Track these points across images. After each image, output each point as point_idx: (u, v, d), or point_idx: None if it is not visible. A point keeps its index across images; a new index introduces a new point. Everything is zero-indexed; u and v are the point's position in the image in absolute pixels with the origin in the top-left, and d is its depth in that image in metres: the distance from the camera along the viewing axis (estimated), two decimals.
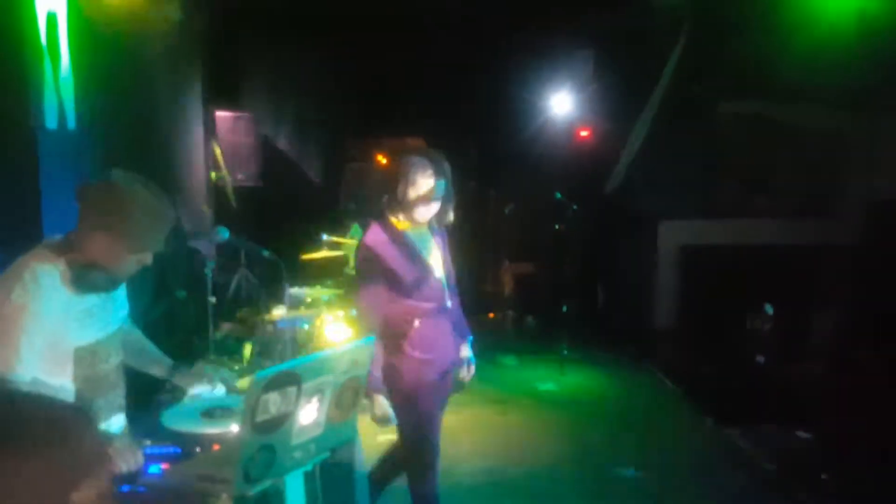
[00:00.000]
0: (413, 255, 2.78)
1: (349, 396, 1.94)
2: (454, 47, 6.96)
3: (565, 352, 6.36)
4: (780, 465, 4.16)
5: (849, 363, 5.61)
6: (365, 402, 2.53)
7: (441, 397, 2.92)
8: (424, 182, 2.67)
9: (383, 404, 2.65)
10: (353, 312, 5.74)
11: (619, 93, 7.06)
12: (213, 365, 2.84)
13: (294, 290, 5.60)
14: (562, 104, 7.69)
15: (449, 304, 2.89)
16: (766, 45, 4.75)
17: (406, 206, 2.71)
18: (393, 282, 2.73)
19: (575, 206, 6.65)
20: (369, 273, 2.74)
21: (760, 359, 6.18)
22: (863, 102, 6.54)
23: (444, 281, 2.88)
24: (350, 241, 6.43)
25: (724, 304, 6.64)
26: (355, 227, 6.73)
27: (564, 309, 6.65)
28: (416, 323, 2.78)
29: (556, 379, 6.12)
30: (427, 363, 2.79)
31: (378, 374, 2.66)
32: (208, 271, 4.99)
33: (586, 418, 5.20)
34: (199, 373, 2.31)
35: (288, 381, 1.71)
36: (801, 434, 4.67)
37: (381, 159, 8.83)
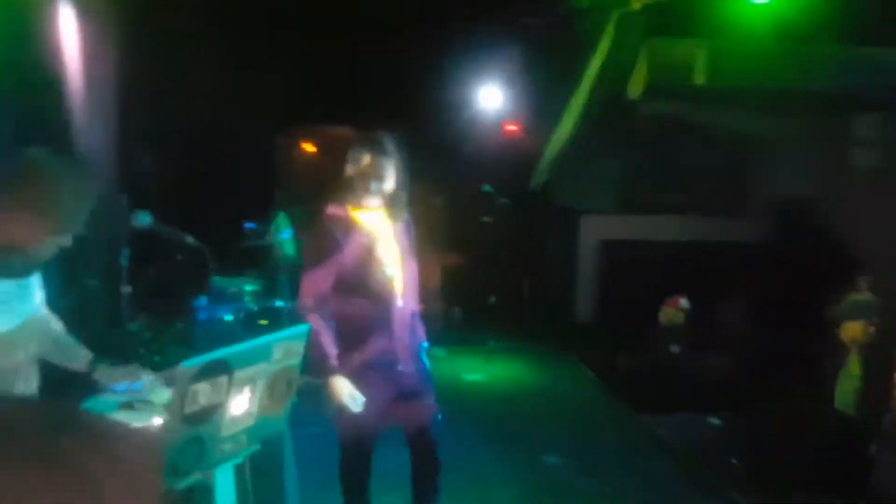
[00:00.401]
0: (360, 243, 2.59)
1: (282, 387, 1.91)
2: (384, 39, 6.90)
3: (491, 343, 6.45)
4: (693, 450, 4.36)
5: (756, 352, 5.92)
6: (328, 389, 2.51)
7: (380, 409, 2.63)
8: (362, 158, 2.57)
9: (343, 385, 2.51)
10: (278, 303, 5.66)
11: (545, 89, 7.18)
12: (131, 360, 2.73)
13: (217, 281, 5.45)
14: (490, 98, 7.76)
15: (399, 304, 2.64)
16: (685, 48, 4.92)
17: (350, 187, 2.60)
18: (334, 269, 2.57)
19: (504, 200, 6.75)
20: (316, 254, 2.60)
21: (676, 349, 6.44)
22: (772, 104, 6.88)
23: (393, 279, 2.63)
24: (275, 231, 6.32)
25: (642, 297, 6.88)
26: (281, 216, 6.60)
27: (492, 301, 6.74)
28: (356, 322, 2.60)
29: (482, 369, 6.19)
30: (360, 370, 2.56)
31: (334, 356, 2.53)
32: (123, 259, 4.79)
33: (511, 408, 5.29)
34: (124, 370, 2.22)
35: (218, 370, 1.66)
36: (713, 420, 4.91)
37: (308, 148, 8.68)
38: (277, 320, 5.36)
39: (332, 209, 2.63)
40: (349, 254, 2.57)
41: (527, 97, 7.62)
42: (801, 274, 6.45)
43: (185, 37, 6.65)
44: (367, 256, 2.60)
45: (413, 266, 2.77)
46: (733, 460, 4.15)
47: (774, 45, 4.23)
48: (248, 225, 6.04)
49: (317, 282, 2.58)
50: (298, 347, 1.94)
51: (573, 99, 6.46)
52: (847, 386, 4.90)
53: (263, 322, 5.38)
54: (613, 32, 5.20)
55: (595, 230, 8.22)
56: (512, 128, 7.73)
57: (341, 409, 2.52)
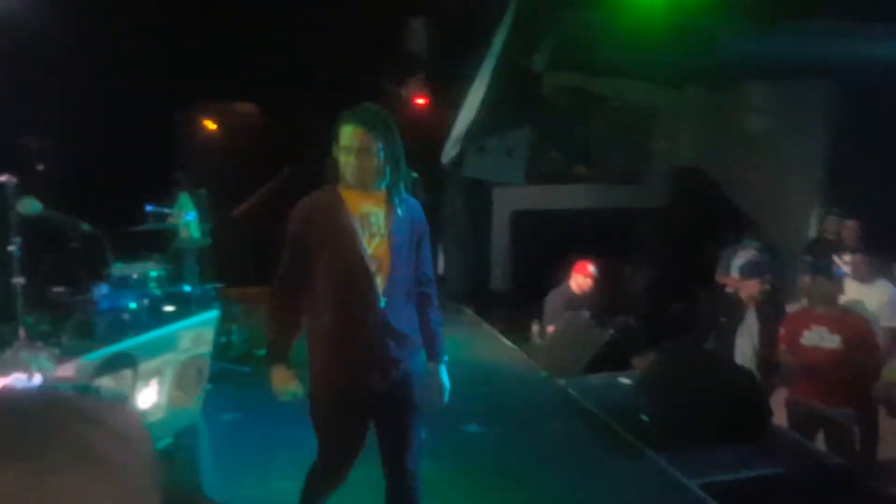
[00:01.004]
0: (340, 225, 2.28)
1: (192, 376, 1.85)
2: (287, 12, 6.68)
3: None
4: (606, 410, 4.53)
5: (659, 313, 6.21)
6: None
7: (353, 428, 2.36)
8: (346, 135, 2.25)
9: (282, 375, 2.30)
10: (185, 287, 5.45)
11: (454, 61, 7.17)
12: (29, 351, 2.57)
13: (119, 267, 5.20)
14: (398, 71, 7.67)
15: (383, 303, 2.28)
16: (588, 21, 5.01)
17: (340, 166, 2.30)
18: (310, 255, 2.29)
19: (415, 174, 6.72)
20: (289, 242, 2.33)
21: (586, 314, 6.65)
22: (670, 77, 7.15)
23: (376, 274, 2.29)
24: (178, 213, 6.07)
25: (553, 264, 7.06)
26: (184, 197, 6.34)
27: None
28: (325, 318, 2.30)
29: None
30: (322, 376, 2.31)
31: (280, 342, 2.33)
32: (15, 248, 4.49)
33: None
34: (13, 360, 2.08)
35: (121, 363, 1.59)
36: (623, 380, 5.12)
37: (210, 125, 8.35)
38: (185, 306, 5.18)
39: (320, 192, 2.37)
40: (326, 242, 2.28)
41: (436, 69, 7.58)
42: (698, 237, 6.77)
43: (74, 7, 6.22)
44: (348, 247, 2.28)
45: (413, 260, 2.40)
46: (644, 417, 4.35)
47: (669, 18, 4.36)
48: (149, 208, 5.76)
49: (289, 269, 2.33)
50: (208, 335, 1.88)
51: (481, 71, 6.48)
52: (746, 341, 5.22)
53: (170, 309, 5.18)
54: (518, 4, 5.24)
55: (507, 201, 8.34)
56: (421, 101, 7.68)
57: (281, 393, 2.31)
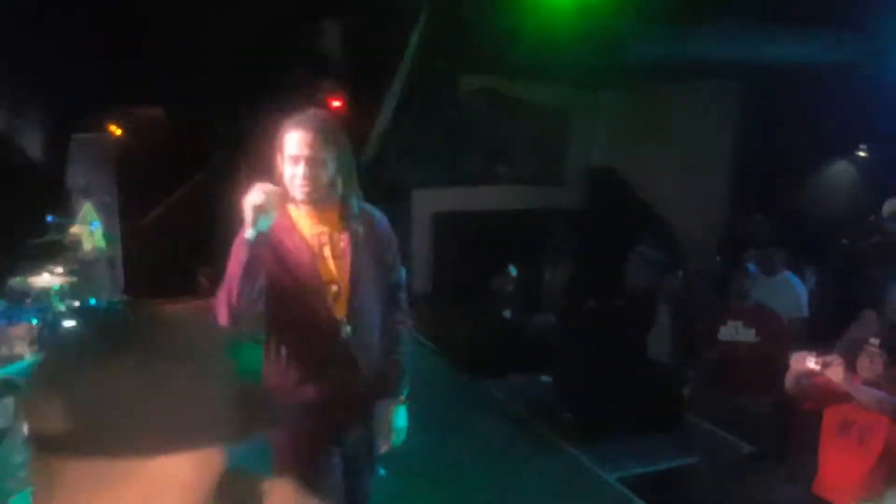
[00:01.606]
0: (289, 248, 2.02)
1: None
2: (191, 13, 6.45)
3: None
4: (528, 410, 4.58)
5: (578, 312, 6.32)
6: None
7: (319, 456, 2.10)
8: (290, 140, 2.00)
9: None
10: (91, 301, 5.18)
11: (370, 63, 7.10)
12: None
13: (16, 281, 4.89)
14: (311, 73, 7.54)
15: (348, 332, 2.05)
16: (499, 23, 5.05)
17: (285, 179, 2.01)
18: (257, 285, 1.97)
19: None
20: (231, 264, 1.97)
21: (507, 314, 6.72)
22: (583, 79, 7.30)
23: (338, 300, 2.05)
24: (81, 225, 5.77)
25: (474, 266, 7.10)
26: (87, 208, 6.04)
27: None
28: (283, 351, 2.07)
29: None
30: (282, 417, 2.08)
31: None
32: None
33: None
34: None
35: (3, 391, 1.47)
36: (545, 379, 5.19)
37: (115, 130, 7.98)
38: (91, 320, 4.91)
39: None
40: (273, 269, 2.00)
41: (352, 71, 7.49)
42: (613, 237, 6.94)
43: None
44: (300, 273, 2.01)
45: (381, 281, 2.16)
46: (565, 414, 4.41)
47: (577, 20, 4.44)
48: (51, 218, 5.46)
49: (234, 298, 1.93)
50: None
51: (398, 73, 6.45)
52: (661, 337, 5.37)
53: (74, 324, 4.91)
54: (430, 7, 5.23)
55: (427, 203, 8.33)
56: (337, 103, 7.58)
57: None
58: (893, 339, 3.97)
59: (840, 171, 7.33)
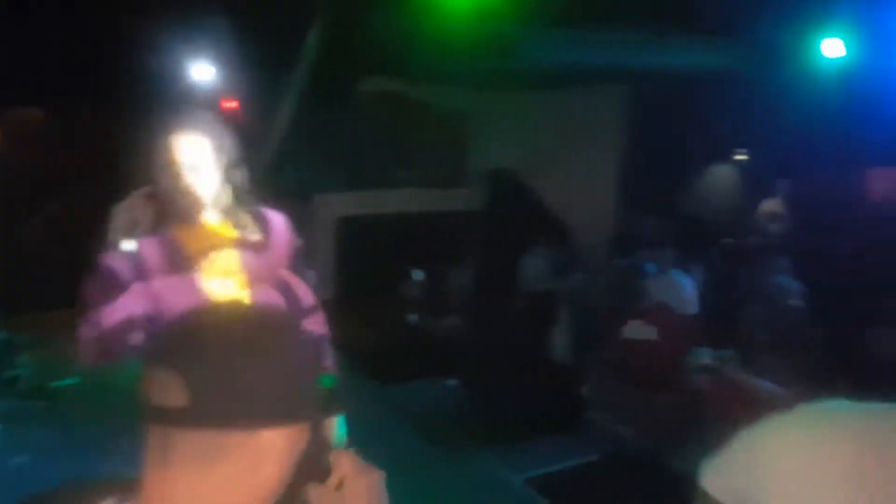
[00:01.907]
0: (171, 268, 1.77)
1: None
2: (79, 12, 6.05)
3: None
4: (433, 414, 4.56)
5: (481, 315, 6.37)
6: None
7: None
8: (171, 145, 1.78)
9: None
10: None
11: (267, 63, 6.90)
12: None
13: None
14: (202, 73, 7.24)
15: None
16: (398, 24, 5.01)
17: (165, 189, 1.78)
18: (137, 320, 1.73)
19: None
20: (94, 298, 1.73)
21: (414, 319, 6.69)
22: (483, 82, 7.38)
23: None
24: None
25: (379, 270, 7.03)
26: None
27: None
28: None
29: None
30: None
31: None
32: None
33: None
34: None
35: None
36: (450, 382, 5.19)
37: None
38: None
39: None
40: (156, 292, 1.74)
41: (247, 73, 7.25)
42: (515, 238, 7.05)
43: None
44: (187, 294, 1.76)
45: (283, 292, 1.94)
46: (471, 417, 4.42)
47: (475, 24, 4.47)
48: None
49: (99, 333, 1.68)
50: None
51: (296, 73, 6.29)
52: (561, 338, 5.48)
53: None
54: (326, 8, 5.13)
55: (330, 208, 8.18)
56: (231, 105, 7.32)
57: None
58: (779, 331, 4.23)
59: (723, 174, 7.75)
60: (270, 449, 0.87)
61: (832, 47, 5.37)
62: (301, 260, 2.13)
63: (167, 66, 6.99)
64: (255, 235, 1.95)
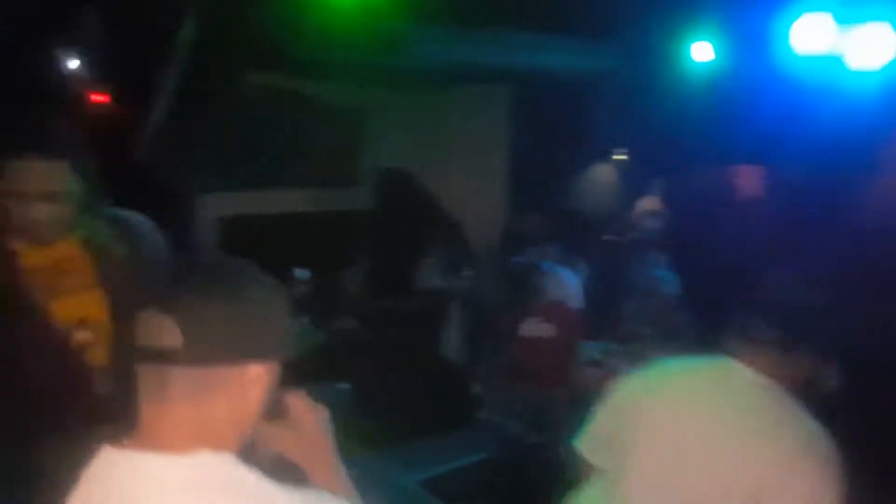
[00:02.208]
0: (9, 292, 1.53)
1: None
2: None
3: None
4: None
5: (372, 316, 6.30)
6: None
7: None
8: (17, 171, 1.53)
9: None
10: None
11: (140, 55, 6.50)
12: None
13: None
14: (69, 64, 6.73)
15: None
16: (284, 18, 4.85)
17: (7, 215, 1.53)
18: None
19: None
20: None
21: (304, 320, 6.51)
22: (373, 79, 7.29)
23: (87, 342, 1.59)
24: None
25: (268, 272, 6.79)
26: None
27: None
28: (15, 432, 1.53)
29: None
30: None
31: None
32: None
33: None
34: None
35: None
36: (342, 386, 5.08)
37: None
38: None
39: None
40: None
41: (119, 64, 6.80)
42: (406, 238, 7.03)
43: None
44: (25, 322, 1.52)
45: None
46: (363, 421, 4.34)
47: (360, 19, 4.39)
48: None
49: None
50: None
51: (174, 66, 5.95)
52: (452, 337, 5.51)
53: None
54: None
55: (213, 208, 7.84)
56: (100, 98, 6.85)
57: None
58: (656, 321, 4.42)
59: (603, 173, 8.05)
60: (257, 381, 1.02)
61: (702, 51, 5.66)
62: (165, 259, 1.91)
63: (30, 57, 6.45)
64: (108, 242, 1.77)
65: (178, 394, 0.94)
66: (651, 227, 6.81)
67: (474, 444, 4.01)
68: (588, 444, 1.71)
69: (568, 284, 5.12)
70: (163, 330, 0.91)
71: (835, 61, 4.65)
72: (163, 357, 0.92)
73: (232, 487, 0.95)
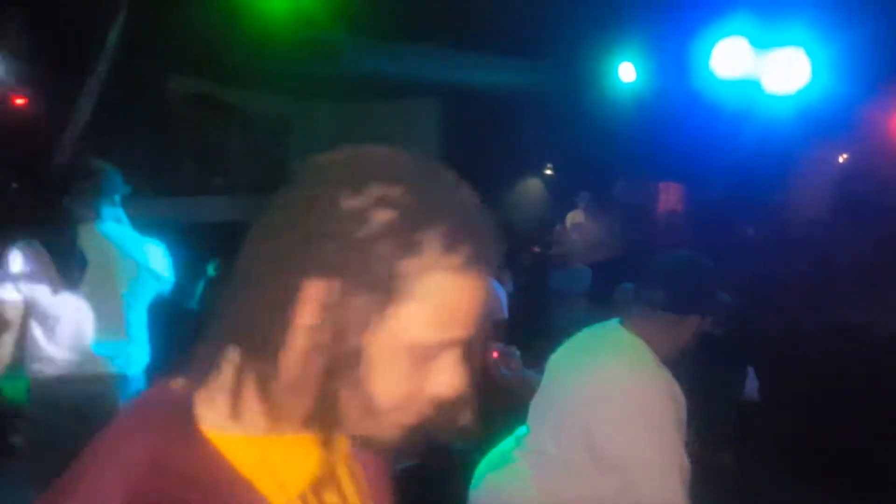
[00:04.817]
0: None
1: None
2: None
3: None
4: None
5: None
6: None
7: None
8: None
9: None
10: None
11: (61, 58, 6.28)
12: None
13: None
14: None
15: None
16: (211, 24, 4.80)
17: None
18: None
19: (14, 184, 5.75)
20: None
21: None
22: (301, 89, 7.26)
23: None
24: None
25: (193, 278, 6.62)
26: None
27: None
28: None
29: None
30: None
31: None
32: None
33: None
34: None
35: None
36: None
37: None
38: None
39: None
40: None
41: (40, 66, 6.55)
42: None
43: None
44: None
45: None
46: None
47: (291, 28, 4.39)
48: None
49: None
50: None
51: (98, 70, 5.78)
52: None
53: None
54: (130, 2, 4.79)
55: (135, 214, 7.60)
56: (20, 101, 6.58)
57: None
58: (572, 321, 4.56)
59: (531, 187, 8.25)
60: None
61: (627, 72, 5.88)
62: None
63: None
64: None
65: None
66: (576, 238, 7.02)
67: (401, 454, 4.02)
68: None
69: (497, 296, 5.22)
70: None
71: (752, 85, 4.76)
72: None
73: None
